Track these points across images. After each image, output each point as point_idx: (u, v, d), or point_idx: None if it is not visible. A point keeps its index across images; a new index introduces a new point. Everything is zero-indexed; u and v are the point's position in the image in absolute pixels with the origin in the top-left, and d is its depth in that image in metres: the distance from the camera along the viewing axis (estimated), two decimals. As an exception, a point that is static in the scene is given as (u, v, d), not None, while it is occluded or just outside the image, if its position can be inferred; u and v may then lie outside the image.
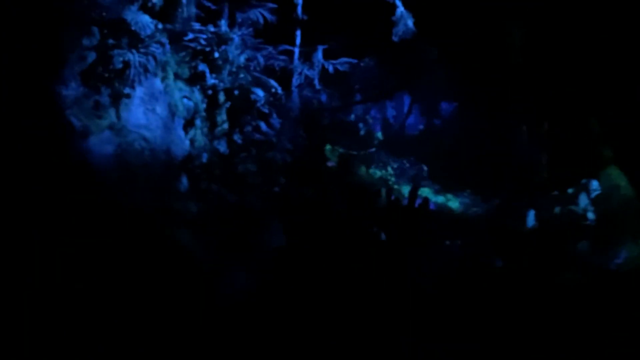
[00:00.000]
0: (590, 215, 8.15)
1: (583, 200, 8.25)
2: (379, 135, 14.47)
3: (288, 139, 7.11)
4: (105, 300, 5.30)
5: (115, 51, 6.10)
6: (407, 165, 11.70)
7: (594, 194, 8.29)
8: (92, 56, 5.99)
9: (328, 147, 9.93)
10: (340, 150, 9.91)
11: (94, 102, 6.05)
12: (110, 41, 6.09)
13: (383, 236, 7.82)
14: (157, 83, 6.75)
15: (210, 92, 7.16)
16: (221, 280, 6.36)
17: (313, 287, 6.94)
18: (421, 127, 14.75)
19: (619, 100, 8.63)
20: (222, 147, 7.01)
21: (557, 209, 8.37)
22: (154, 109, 6.60)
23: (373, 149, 12.31)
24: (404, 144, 13.62)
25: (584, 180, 8.47)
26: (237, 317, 6.26)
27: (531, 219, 8.56)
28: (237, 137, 7.11)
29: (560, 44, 8.82)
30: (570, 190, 8.48)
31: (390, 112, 14.93)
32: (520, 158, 9.50)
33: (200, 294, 6.07)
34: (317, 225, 7.43)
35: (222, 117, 7.12)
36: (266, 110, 7.39)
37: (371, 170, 10.54)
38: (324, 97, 8.59)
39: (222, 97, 7.18)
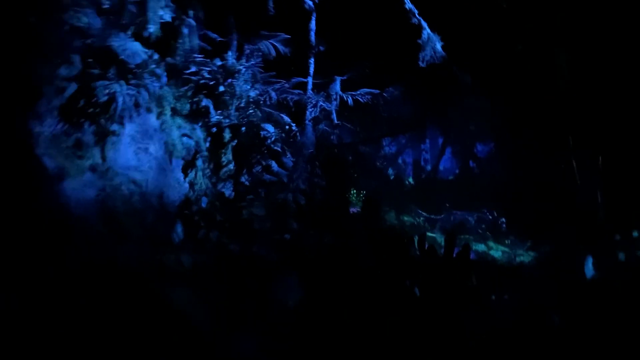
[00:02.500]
0: (664, 263, 6.88)
1: (653, 244, 7.00)
2: (410, 180, 13.47)
3: (302, 179, 6.18)
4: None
5: (99, 82, 5.36)
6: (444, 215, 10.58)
7: (666, 237, 7.03)
8: (72, 88, 5.25)
9: (353, 191, 8.95)
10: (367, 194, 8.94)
11: (75, 141, 5.27)
12: (94, 71, 5.36)
13: (417, 291, 6.68)
14: (152, 119, 5.97)
15: (214, 129, 6.35)
16: (225, 349, 5.32)
17: (337, 353, 5.82)
18: (456, 170, 13.72)
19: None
20: (227, 190, 6.12)
21: (621, 256, 7.12)
22: (147, 148, 5.78)
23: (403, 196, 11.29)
24: (438, 189, 12.57)
25: (651, 221, 7.23)
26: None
27: (590, 267, 7.32)
28: (244, 179, 6.22)
29: (611, 67, 7.80)
30: (635, 234, 7.24)
31: (422, 155, 13.97)
32: (572, 198, 8.33)
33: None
34: (340, 279, 6.36)
35: (227, 156, 6.27)
36: (278, 148, 6.51)
37: (402, 217, 9.48)
38: (344, 134, 7.70)
39: (227, 134, 6.35)
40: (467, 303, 6.89)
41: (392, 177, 12.03)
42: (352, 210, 7.95)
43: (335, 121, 7.13)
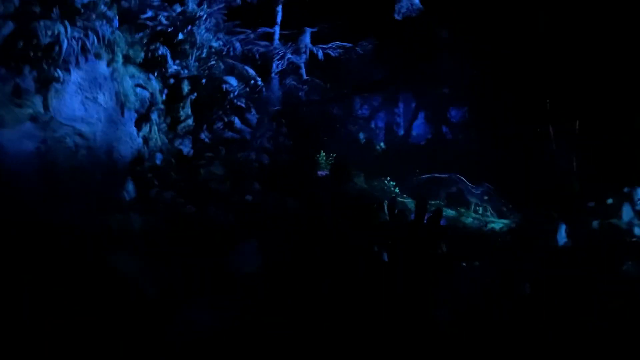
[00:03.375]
0: (638, 231, 6.71)
1: (627, 212, 6.83)
2: (382, 144, 13.12)
3: (267, 137, 5.75)
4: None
5: (42, 22, 4.79)
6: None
7: (640, 205, 6.86)
8: (8, 27, 4.68)
9: (322, 154, 8.56)
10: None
11: (13, 87, 4.72)
12: (35, 9, 4.79)
13: (385, 257, 6.40)
14: (102, 67, 5.42)
15: (172, 81, 5.84)
16: (177, 320, 4.94)
17: (297, 323, 5.52)
18: (429, 136, 13.40)
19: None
20: (185, 147, 5.66)
21: (594, 224, 6.94)
22: (96, 98, 5.26)
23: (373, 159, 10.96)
24: (409, 155, 12.27)
25: (626, 189, 7.03)
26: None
27: (562, 235, 7.13)
28: (204, 136, 5.76)
29: (594, 31, 7.49)
30: (610, 201, 7.05)
31: (395, 120, 13.59)
32: (547, 164, 8.10)
33: (149, 338, 4.66)
34: (304, 245, 6.02)
35: (186, 111, 5.79)
36: (241, 104, 6.04)
37: (372, 182, 9.15)
38: (313, 91, 7.25)
39: (186, 86, 5.85)
40: (436, 270, 6.65)
41: (363, 141, 11.66)
42: (320, 173, 7.59)
43: (304, 76, 6.67)
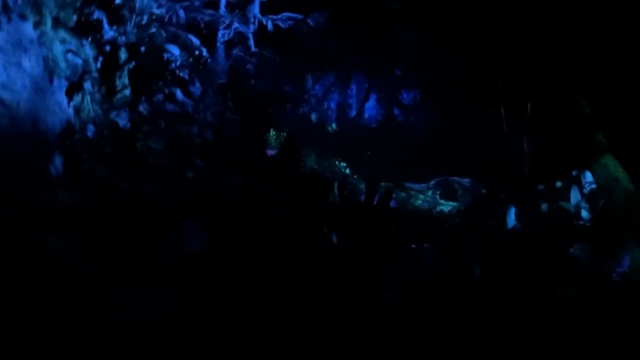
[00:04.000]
0: (585, 214, 6.74)
1: (575, 195, 6.84)
2: (334, 125, 12.91)
3: (211, 111, 5.39)
4: None
5: (-48, -27, 4.28)
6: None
7: (587, 188, 6.88)
8: None
9: (272, 132, 8.24)
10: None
11: None
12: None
13: (334, 239, 6.20)
14: (27, 29, 4.92)
15: (107, 47, 5.38)
16: (112, 306, 4.57)
17: (244, 306, 5.24)
18: (380, 117, 13.27)
19: (614, 80, 7.30)
20: (122, 119, 5.24)
21: (543, 206, 6.93)
22: (19, 63, 4.77)
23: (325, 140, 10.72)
24: (361, 136, 12.11)
25: (575, 172, 7.05)
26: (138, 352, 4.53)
27: (512, 218, 7.10)
28: (142, 108, 5.35)
29: (548, 14, 7.43)
30: (559, 184, 7.06)
31: (347, 101, 13.37)
32: (498, 146, 8.06)
33: (81, 327, 4.28)
34: (251, 226, 5.72)
35: (123, 80, 5.35)
36: (184, 75, 5.65)
37: (323, 162, 8.91)
38: (262, 65, 6.90)
39: (124, 54, 5.41)
40: (386, 251, 6.50)
41: (314, 121, 11.39)
42: (269, 152, 7.28)
43: (253, 48, 6.32)
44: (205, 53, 5.82)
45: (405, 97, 12.63)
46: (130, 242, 4.74)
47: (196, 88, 5.55)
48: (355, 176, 8.81)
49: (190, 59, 5.64)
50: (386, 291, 5.82)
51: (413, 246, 7.11)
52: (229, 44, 6.19)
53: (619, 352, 5.72)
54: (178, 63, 5.50)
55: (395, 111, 12.86)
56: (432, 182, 9.33)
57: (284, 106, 8.52)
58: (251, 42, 6.35)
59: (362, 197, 7.40)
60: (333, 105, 12.78)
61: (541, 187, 7.24)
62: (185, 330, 4.79)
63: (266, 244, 5.66)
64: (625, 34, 7.27)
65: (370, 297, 5.63)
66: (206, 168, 5.16)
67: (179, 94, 5.49)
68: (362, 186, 8.21)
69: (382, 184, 9.00)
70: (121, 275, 4.66)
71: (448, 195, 8.72)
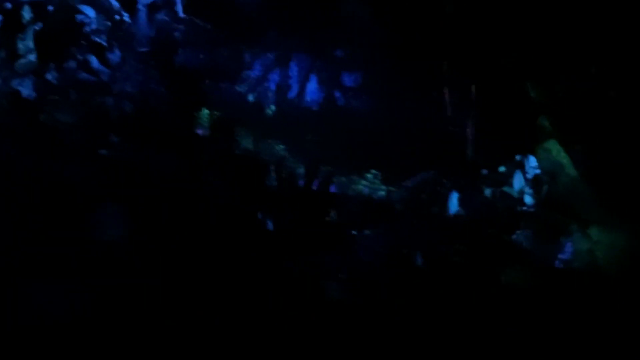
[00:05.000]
0: (528, 200, 6.59)
1: (518, 180, 6.69)
2: (272, 107, 12.37)
3: (132, 82, 4.80)
4: None
5: None
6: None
7: (531, 173, 6.73)
8: None
9: (205, 112, 7.64)
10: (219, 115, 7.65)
11: None
12: None
13: (270, 225, 5.77)
14: None
15: (8, 5, 4.67)
16: (21, 301, 4.00)
17: (167, 301, 4.75)
18: (321, 100, 12.87)
19: (559, 64, 7.17)
20: (26, 88, 4.56)
21: (487, 192, 6.73)
22: None
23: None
24: (301, 119, 11.65)
25: (518, 157, 6.88)
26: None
27: (454, 203, 6.87)
28: (51, 76, 4.68)
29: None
30: (502, 169, 6.88)
31: (287, 81, 12.86)
32: (441, 130, 7.81)
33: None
34: (175, 210, 5.20)
35: (27, 44, 4.66)
36: (102, 41, 5.01)
37: (260, 144, 8.39)
38: (192, 33, 6.30)
39: (28, 14, 4.71)
40: (325, 238, 6.13)
41: (252, 102, 10.81)
42: (200, 131, 6.73)
43: (181, 14, 5.73)
44: (127, 18, 5.19)
45: (347, 79, 12.25)
46: (33, 229, 4.13)
47: (115, 55, 4.93)
48: (294, 160, 8.36)
49: (108, 23, 5.00)
50: (326, 281, 5.46)
51: (354, 233, 6.77)
52: (153, 8, 5.56)
53: (562, 339, 5.63)
54: (94, 27, 4.86)
55: (337, 94, 12.46)
56: (374, 167, 9.03)
57: (218, 83, 7.92)
58: (179, 7, 5.76)
59: (301, 182, 7.00)
60: (272, 85, 12.23)
61: (485, 172, 7.04)
62: (99, 329, 4.27)
63: (193, 230, 5.16)
64: (573, 18, 7.17)
65: (309, 287, 5.25)
66: (124, 145, 4.59)
67: (94, 61, 4.86)
68: (301, 170, 7.81)
69: (322, 168, 8.63)
70: (22, 269, 4.06)
71: (390, 179, 8.42)
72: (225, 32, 8.81)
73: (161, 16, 5.60)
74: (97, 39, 4.92)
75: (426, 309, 5.66)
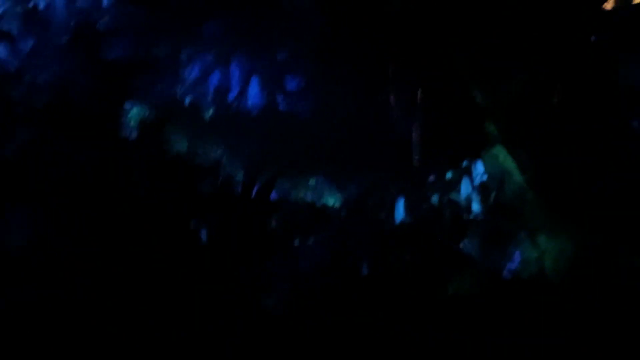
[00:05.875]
0: (476, 207, 6.39)
1: (465, 187, 6.48)
2: (211, 110, 11.85)
3: (47, 73, 4.25)
4: None
5: None
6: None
7: (478, 180, 6.54)
8: None
9: (135, 110, 7.07)
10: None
11: None
12: None
13: (204, 235, 5.30)
14: None
15: None
16: None
17: (78, 315, 4.21)
18: (263, 103, 12.45)
19: (506, 68, 7.06)
20: None
21: (434, 198, 6.50)
22: None
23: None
24: (241, 123, 11.20)
25: (465, 162, 6.69)
26: None
27: (400, 210, 6.60)
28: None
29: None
30: (449, 175, 6.67)
31: (228, 83, 12.36)
32: (387, 134, 7.54)
33: None
34: (97, 217, 4.66)
35: None
36: (11, 28, 4.44)
37: (195, 148, 7.88)
38: (122, 22, 5.76)
39: None
40: (266, 248, 5.72)
41: (189, 104, 10.25)
42: (129, 132, 6.17)
43: (105, 3, 5.19)
44: (41, 4, 4.62)
45: (290, 81, 11.88)
46: None
47: (26, 43, 4.36)
48: (232, 164, 7.90)
49: (18, 8, 4.42)
50: (266, 296, 5.04)
51: (296, 242, 6.38)
52: None
53: (511, 349, 5.47)
54: (1, 13, 4.28)
55: (279, 97, 12.06)
56: (318, 173, 8.69)
57: (151, 81, 7.37)
58: None
59: (239, 188, 6.55)
60: (211, 88, 11.70)
61: (431, 177, 6.81)
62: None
63: (116, 239, 4.63)
64: (519, 22, 7.08)
65: (247, 303, 4.82)
66: (35, 140, 4.04)
67: (1, 50, 4.28)
68: (240, 175, 7.36)
69: (264, 172, 8.21)
70: None
71: (334, 186, 8.09)
72: (160, 28, 8.26)
73: (83, 3, 5.04)
74: (6, 26, 4.35)
75: (371, 321, 5.35)
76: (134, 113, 6.94)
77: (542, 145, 6.95)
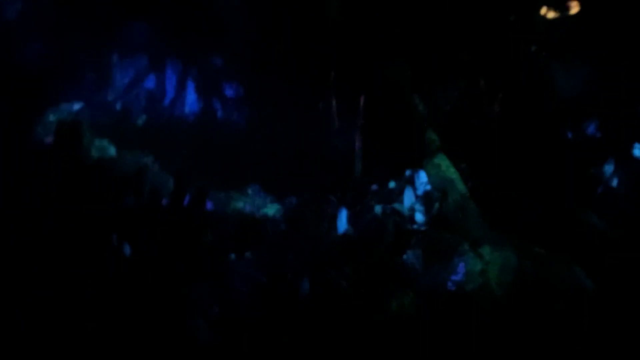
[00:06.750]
0: (419, 217, 6.19)
1: (409, 197, 6.27)
2: (144, 117, 11.23)
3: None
4: None
5: None
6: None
7: (422, 190, 6.35)
8: None
9: (52, 117, 6.50)
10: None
11: None
12: None
13: (128, 250, 4.81)
14: None
15: None
16: None
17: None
18: (198, 110, 11.93)
19: (446, 75, 6.96)
20: None
21: (377, 208, 6.25)
22: None
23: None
24: (175, 130, 10.66)
25: (408, 172, 6.48)
26: None
27: (343, 222, 6.32)
28: None
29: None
30: (392, 184, 6.45)
31: (162, 88, 11.77)
32: (328, 143, 7.28)
33: None
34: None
35: None
36: None
37: (122, 156, 7.33)
38: (33, 21, 5.21)
39: None
40: (195, 265, 5.27)
41: (119, 109, 9.66)
42: (45, 138, 5.60)
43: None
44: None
45: (227, 88, 11.45)
46: None
47: None
48: (161, 172, 7.39)
49: None
50: (195, 318, 4.59)
51: (232, 256, 5.96)
52: None
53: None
54: None
55: (216, 105, 11.60)
56: (255, 182, 8.30)
57: (71, 84, 6.80)
58: None
59: (168, 198, 6.08)
60: (143, 92, 11.11)
61: (374, 187, 6.57)
62: None
63: (28, 254, 4.10)
64: (461, 31, 7.01)
65: (172, 326, 4.36)
66: None
67: None
68: (170, 184, 6.87)
69: (197, 182, 7.75)
70: None
71: (274, 196, 7.72)
72: (84, 30, 7.68)
73: None
74: None
75: (312, 343, 5.00)
76: (50, 119, 6.36)
77: (482, 154, 6.88)
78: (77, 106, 7.00)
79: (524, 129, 7.17)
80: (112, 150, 7.53)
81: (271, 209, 8.20)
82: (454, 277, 5.67)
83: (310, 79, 7.78)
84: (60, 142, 5.28)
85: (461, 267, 5.71)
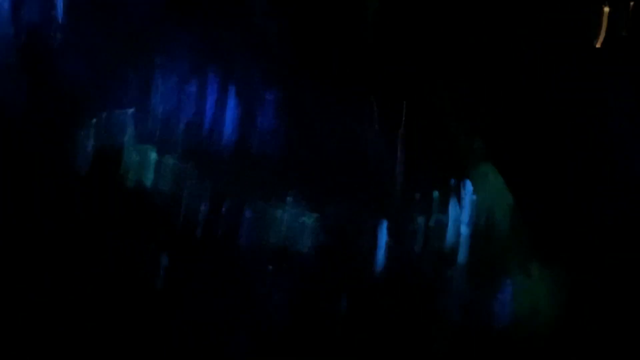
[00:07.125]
0: (465, 230, 5.89)
1: (454, 208, 5.98)
2: (184, 121, 11.27)
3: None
4: None
5: None
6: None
7: (467, 200, 6.05)
8: None
9: (97, 121, 6.47)
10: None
11: None
12: None
13: (165, 260, 4.72)
14: None
15: None
16: None
17: None
18: (239, 113, 11.93)
19: (494, 83, 6.63)
20: None
21: (420, 220, 5.99)
22: None
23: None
24: (215, 133, 10.66)
25: (453, 181, 6.19)
26: None
27: (383, 233, 6.09)
28: None
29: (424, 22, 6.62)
30: (435, 194, 6.16)
31: (201, 109, 11.81)
32: (369, 151, 7.05)
33: None
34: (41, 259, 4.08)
35: None
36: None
37: (162, 160, 7.30)
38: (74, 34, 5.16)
39: None
40: (234, 274, 5.16)
41: (160, 114, 9.67)
42: (81, 163, 5.56)
43: (60, 18, 4.60)
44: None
45: (268, 94, 11.39)
46: None
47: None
48: (202, 178, 7.34)
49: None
50: (229, 330, 4.46)
51: (270, 267, 5.82)
52: (19, 7, 4.30)
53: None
54: None
55: (256, 110, 11.55)
56: (294, 190, 8.17)
57: (116, 106, 6.78)
58: (59, 8, 4.58)
59: (206, 204, 5.98)
60: (185, 97, 11.15)
61: (417, 197, 6.30)
62: None
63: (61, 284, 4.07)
64: (497, 35, 6.71)
65: (204, 339, 4.24)
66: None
67: None
68: (209, 190, 6.78)
69: (235, 191, 7.67)
70: None
71: (312, 205, 7.55)
72: (123, 48, 7.68)
73: (31, 16, 4.43)
74: None
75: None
76: (89, 143, 6.33)
77: (529, 163, 6.53)
78: (128, 111, 7.00)
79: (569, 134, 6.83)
80: (153, 155, 7.53)
81: (310, 218, 8.06)
82: (499, 296, 5.37)
83: (351, 86, 7.61)
84: (97, 167, 5.23)
85: (508, 286, 5.41)
